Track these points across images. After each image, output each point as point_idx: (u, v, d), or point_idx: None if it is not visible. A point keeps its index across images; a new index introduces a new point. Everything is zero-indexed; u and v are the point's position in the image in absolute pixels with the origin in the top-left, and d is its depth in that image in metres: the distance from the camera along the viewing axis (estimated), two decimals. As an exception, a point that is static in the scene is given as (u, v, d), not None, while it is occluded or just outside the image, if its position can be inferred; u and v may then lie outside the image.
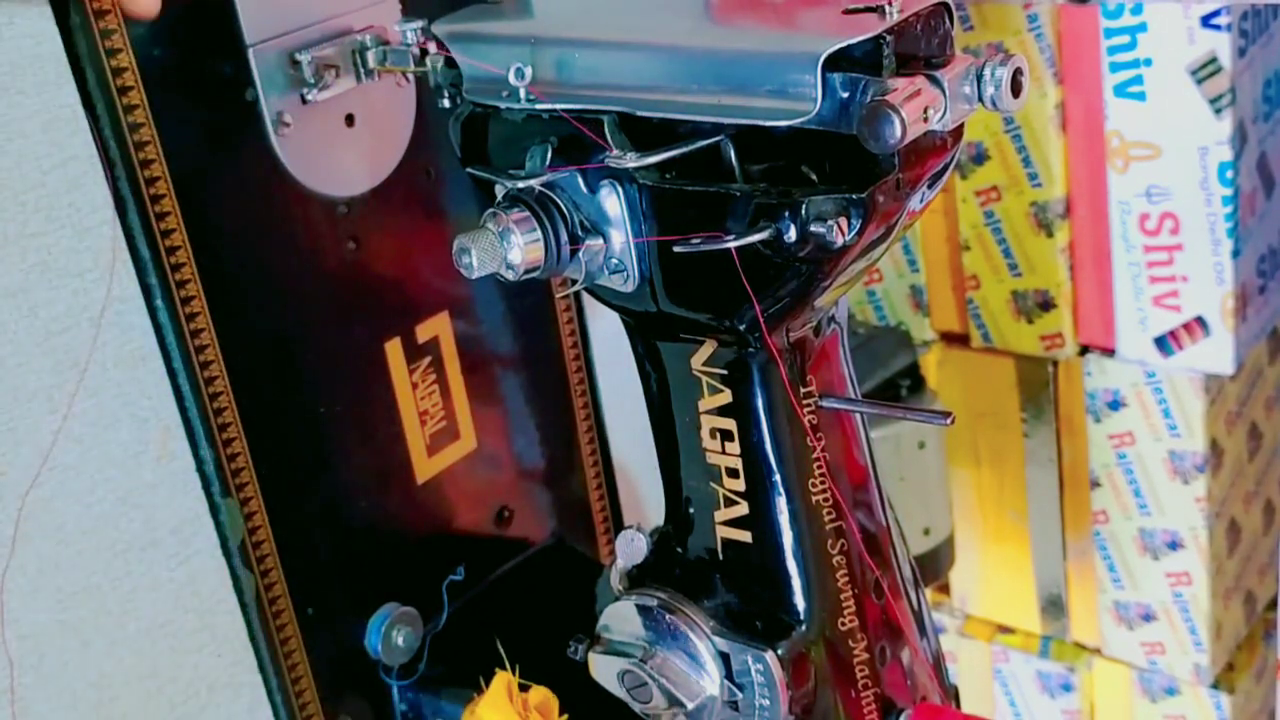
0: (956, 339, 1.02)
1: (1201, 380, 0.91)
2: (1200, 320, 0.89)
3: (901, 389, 0.96)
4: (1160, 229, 0.88)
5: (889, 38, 0.48)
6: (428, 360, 0.74)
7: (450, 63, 0.59)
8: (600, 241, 0.55)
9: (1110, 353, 0.94)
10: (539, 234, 0.54)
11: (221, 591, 0.66)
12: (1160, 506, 0.97)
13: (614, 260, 0.55)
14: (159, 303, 0.60)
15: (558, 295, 0.59)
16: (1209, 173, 0.84)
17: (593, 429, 0.85)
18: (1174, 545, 0.98)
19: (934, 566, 0.98)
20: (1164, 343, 0.91)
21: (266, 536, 0.66)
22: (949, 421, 0.55)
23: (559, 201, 0.54)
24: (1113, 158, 0.87)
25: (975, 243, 0.96)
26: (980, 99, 0.50)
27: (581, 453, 0.85)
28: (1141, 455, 0.96)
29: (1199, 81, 0.82)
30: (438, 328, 0.74)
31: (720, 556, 0.60)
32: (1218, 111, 0.82)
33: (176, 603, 0.64)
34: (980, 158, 0.92)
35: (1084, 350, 0.96)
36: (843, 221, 0.49)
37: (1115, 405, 0.95)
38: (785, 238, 0.49)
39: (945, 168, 0.52)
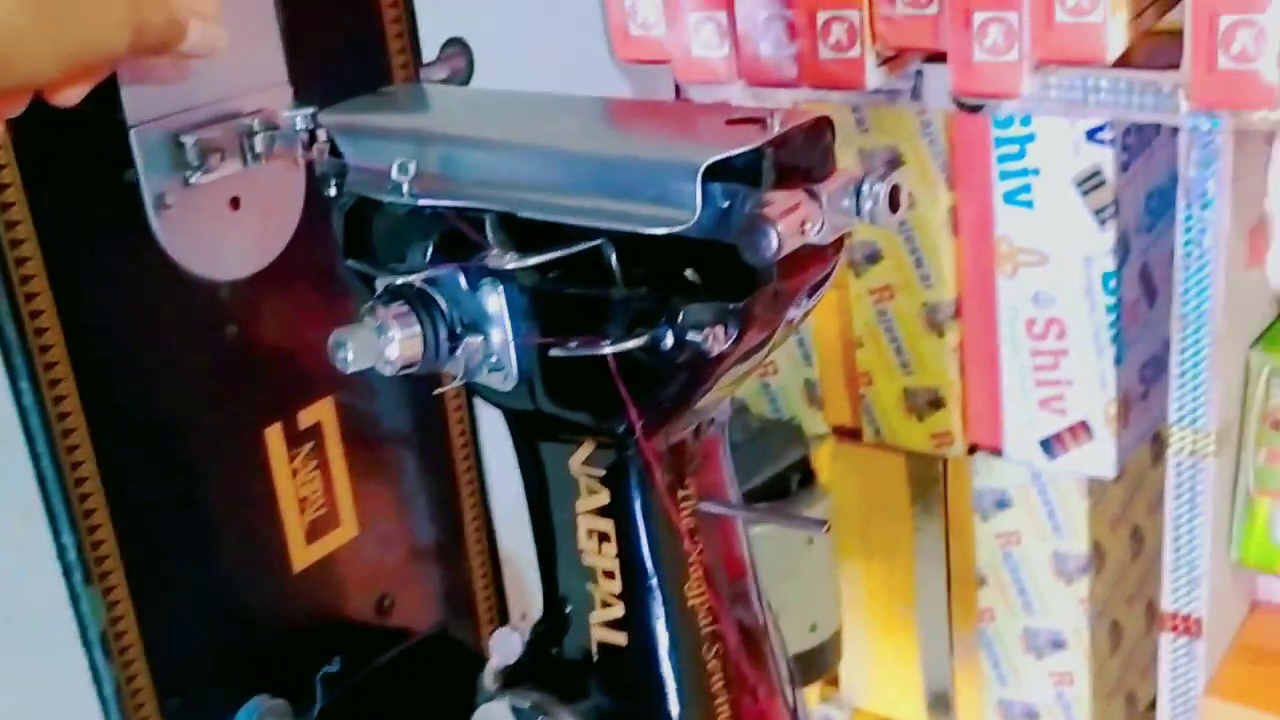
0: (849, 434, 1.02)
1: (1085, 483, 0.93)
2: (1084, 424, 0.90)
3: (792, 483, 0.96)
4: (1047, 334, 0.89)
5: (769, 150, 0.48)
6: (309, 446, 0.72)
7: (336, 152, 0.59)
8: (479, 339, 0.54)
9: (998, 453, 0.95)
10: (418, 330, 0.54)
11: (81, 683, 0.63)
12: (1044, 606, 0.98)
13: (493, 358, 0.55)
14: (24, 385, 0.59)
15: (438, 390, 0.58)
16: (1093, 281, 0.86)
17: (480, 516, 0.84)
18: (1057, 644, 0.99)
19: (820, 662, 0.98)
20: (1049, 445, 0.92)
21: (130, 626, 0.64)
22: (824, 530, 0.54)
23: (439, 298, 0.54)
24: (1002, 263, 0.89)
25: (868, 340, 0.96)
26: (859, 213, 0.50)
27: (468, 541, 0.84)
28: (1027, 555, 0.97)
29: (1084, 193, 0.84)
30: (321, 413, 0.73)
31: (595, 658, 0.59)
32: (1102, 222, 0.84)
33: (33, 694, 0.62)
34: (874, 257, 0.94)
35: (973, 449, 0.97)
36: (720, 330, 0.49)
37: (1002, 504, 0.96)
38: (662, 344, 0.49)
39: (825, 278, 0.53)
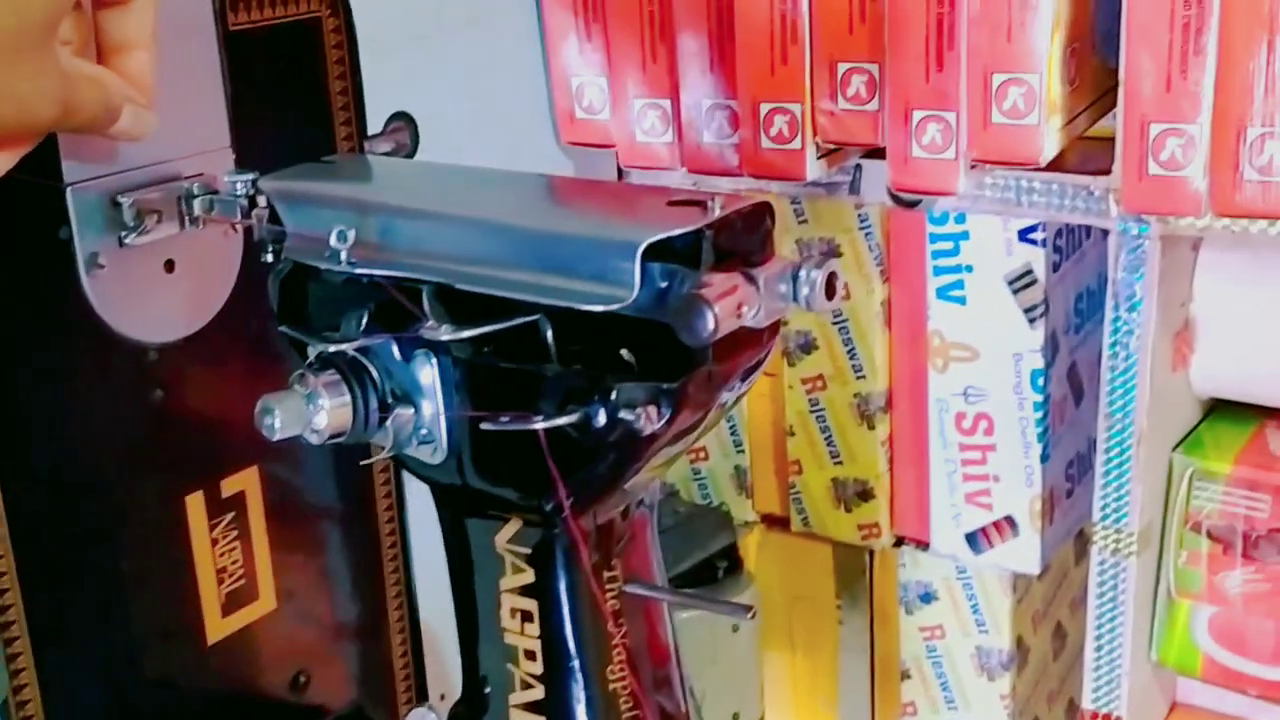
0: (777, 522, 1.02)
1: (1010, 578, 0.93)
2: (1010, 519, 0.91)
3: (719, 569, 0.95)
4: (976, 429, 0.90)
5: (709, 232, 0.49)
6: (231, 515, 0.71)
7: (275, 218, 0.58)
8: (410, 411, 0.54)
9: (924, 546, 0.95)
10: (347, 399, 0.53)
11: (-20, 752, 0.61)
12: (966, 701, 0.98)
13: (423, 430, 0.54)
14: (-61, 441, 0.57)
15: (364, 461, 0.58)
16: (1022, 378, 0.87)
17: (402, 594, 0.83)
18: (979, 742, 0.98)
19: (742, 753, 0.97)
20: (974, 539, 0.93)
21: (34, 696, 0.62)
22: (750, 616, 0.54)
23: (371, 368, 0.54)
24: (933, 356, 0.90)
25: (800, 429, 0.97)
26: (795, 299, 0.51)
27: (389, 617, 0.83)
28: (950, 649, 0.97)
29: (1015, 291, 0.86)
30: (245, 482, 0.72)
31: (514, 741, 0.58)
32: (1031, 321, 0.86)
33: (-73, 763, 0.60)
34: (808, 347, 0.94)
35: (899, 542, 0.97)
36: (652, 410, 0.49)
37: (927, 598, 0.97)
38: (594, 422, 0.49)
39: (759, 363, 0.53)
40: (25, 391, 0.61)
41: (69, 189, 0.61)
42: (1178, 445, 0.83)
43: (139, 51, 0.53)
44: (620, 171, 0.90)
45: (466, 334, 0.51)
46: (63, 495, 0.63)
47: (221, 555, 0.71)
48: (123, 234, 0.63)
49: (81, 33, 0.52)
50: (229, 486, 0.71)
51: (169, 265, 0.65)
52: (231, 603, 0.72)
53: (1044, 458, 0.89)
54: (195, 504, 0.69)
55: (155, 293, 0.65)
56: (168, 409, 0.67)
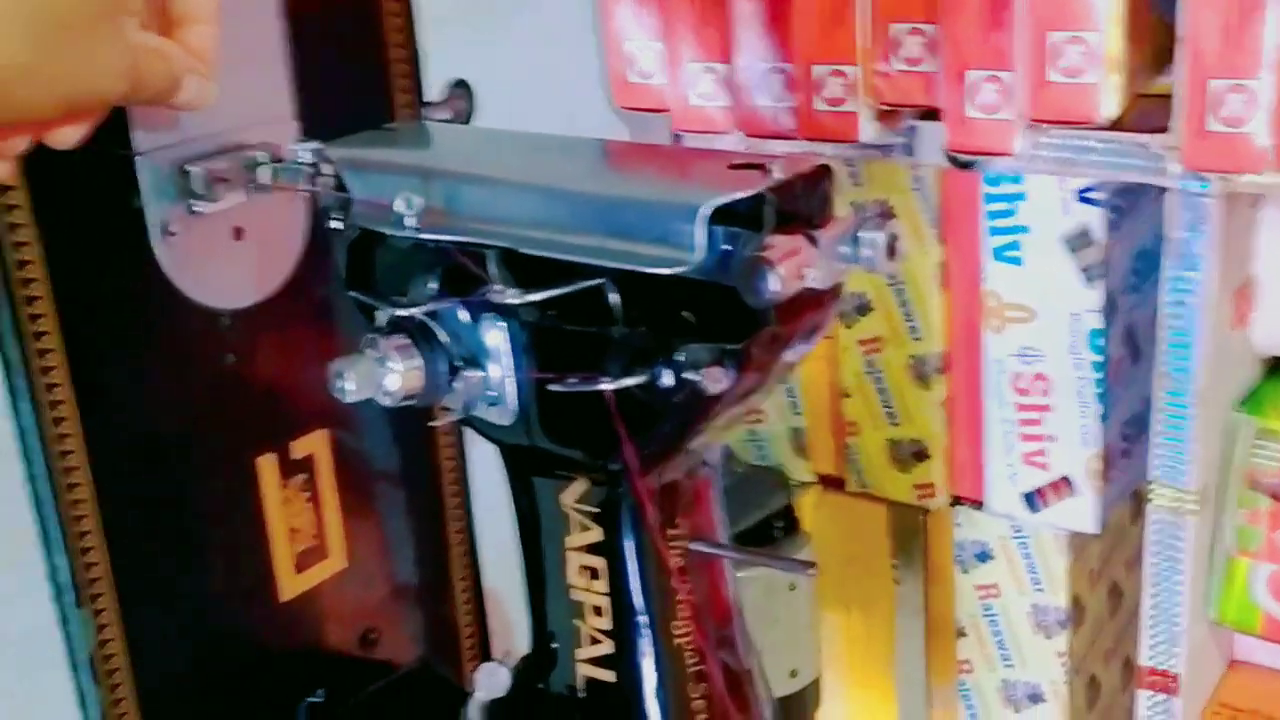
0: (833, 483, 1.03)
1: (1066, 538, 0.93)
2: (1067, 479, 0.91)
3: (776, 530, 0.96)
4: (1032, 389, 0.90)
5: (771, 195, 0.49)
6: (302, 477, 0.73)
7: (341, 186, 0.59)
8: (479, 373, 0.55)
9: (980, 505, 0.96)
10: (418, 362, 0.54)
11: (67, 705, 0.63)
12: (1023, 659, 0.98)
13: (491, 393, 0.55)
14: (23, 404, 0.59)
15: (433, 423, 0.59)
16: (1079, 338, 0.87)
17: (466, 553, 0.84)
18: (1035, 698, 0.99)
19: (800, 709, 0.98)
20: (1031, 499, 0.93)
21: (119, 650, 0.64)
22: (812, 572, 0.55)
23: (439, 331, 0.55)
24: (989, 317, 0.90)
25: (856, 390, 0.97)
26: (857, 260, 0.51)
27: (453, 576, 0.84)
28: (1006, 608, 0.97)
29: (1073, 251, 0.85)
30: (314, 445, 0.73)
31: (581, 694, 0.60)
32: (1089, 280, 0.85)
33: (18, 715, 0.62)
34: (864, 309, 0.95)
35: (955, 501, 0.98)
36: (717, 370, 0.50)
37: (983, 557, 0.97)
38: (660, 383, 0.50)
39: (822, 322, 0.54)
40: (104, 357, 0.62)
41: (139, 158, 0.62)
42: (1238, 404, 0.83)
43: (202, 25, 0.54)
44: (674, 136, 0.91)
45: (532, 298, 0.52)
46: (142, 457, 0.65)
47: (293, 515, 0.72)
48: (192, 202, 0.64)
49: (148, 6, 0.53)
50: (299, 449, 0.72)
51: (238, 232, 0.67)
52: (304, 561, 0.73)
53: (1102, 417, 0.88)
54: (267, 465, 0.71)
55: (225, 259, 0.67)
56: (240, 373, 0.68)
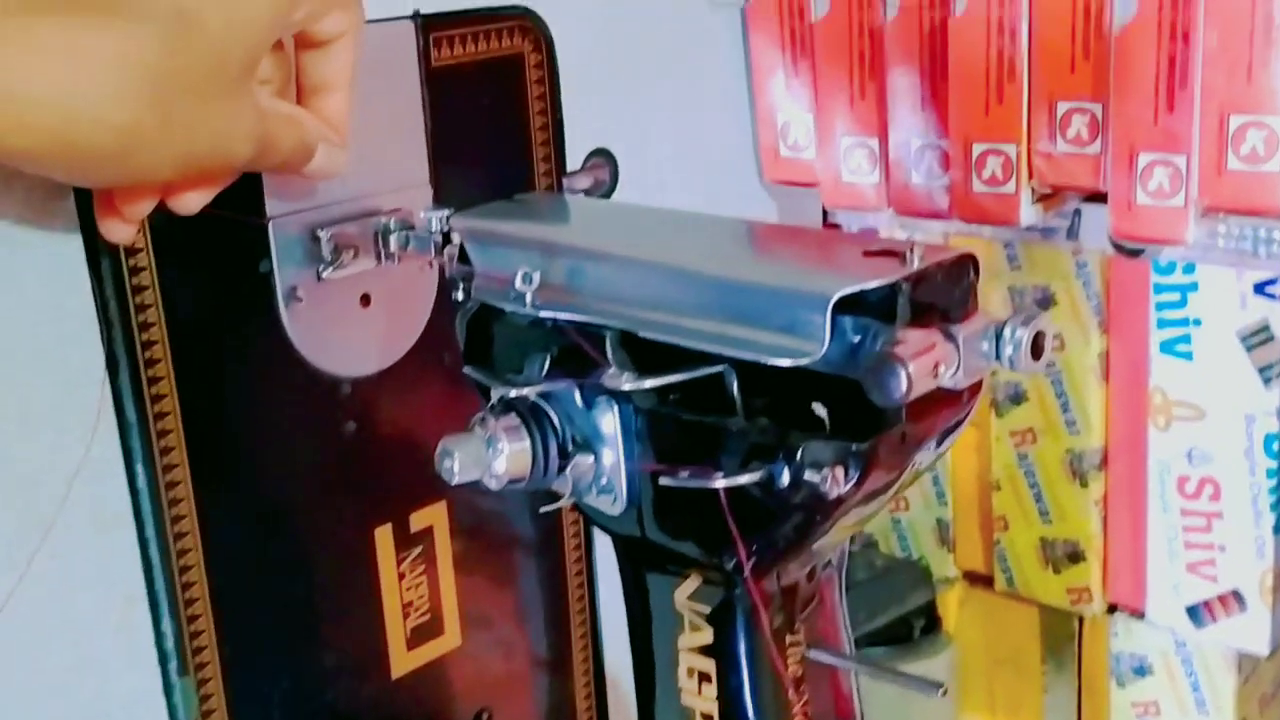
0: (980, 579, 0.98)
1: (1234, 657, 0.87)
2: (1236, 594, 0.85)
3: (916, 627, 0.92)
4: (1200, 493, 0.84)
5: (906, 286, 0.46)
6: (419, 550, 0.71)
7: (465, 257, 0.58)
8: (590, 459, 0.52)
9: (1139, 615, 0.90)
10: (528, 444, 0.52)
11: (167, 774, 0.62)
12: (1182, 784, 0.91)
13: (603, 480, 0.53)
14: (139, 467, 0.59)
15: (544, 509, 0.57)
16: (1254, 442, 0.81)
17: (586, 635, 0.82)
18: (1195, 828, 0.92)
19: (935, 821, 0.92)
20: (1196, 613, 0.86)
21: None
22: (940, 694, 0.51)
23: (552, 413, 0.52)
24: (1155, 414, 0.84)
25: (1006, 483, 0.92)
26: (998, 358, 0.47)
27: (573, 658, 0.82)
28: (1166, 727, 0.91)
29: (1249, 348, 0.80)
30: (433, 517, 0.71)
31: (689, 803, 0.56)
32: (1267, 380, 0.79)
33: (116, 782, 0.61)
34: (1018, 398, 0.90)
35: (1112, 609, 0.91)
36: (839, 471, 0.46)
37: (1141, 671, 0.90)
38: (777, 482, 0.47)
39: (958, 424, 0.50)
40: (226, 420, 0.62)
41: (271, 223, 0.61)
42: None
43: (336, 93, 0.53)
44: (825, 211, 0.88)
45: (649, 383, 0.50)
46: (258, 523, 0.64)
47: (408, 589, 0.71)
48: (321, 267, 0.63)
49: (283, 72, 0.52)
50: (417, 521, 0.71)
51: (365, 299, 0.66)
52: (417, 637, 0.72)
53: (1277, 529, 0.82)
54: (384, 536, 0.69)
55: (350, 326, 0.66)
56: (359, 441, 0.67)
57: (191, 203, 0.51)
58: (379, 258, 0.65)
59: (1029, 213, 0.75)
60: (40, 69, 0.40)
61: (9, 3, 0.40)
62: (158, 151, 0.44)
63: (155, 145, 0.44)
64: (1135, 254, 0.81)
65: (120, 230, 0.51)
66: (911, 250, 0.47)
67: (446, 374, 0.70)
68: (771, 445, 0.47)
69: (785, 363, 0.46)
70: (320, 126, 0.53)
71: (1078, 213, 0.80)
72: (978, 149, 0.75)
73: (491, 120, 0.71)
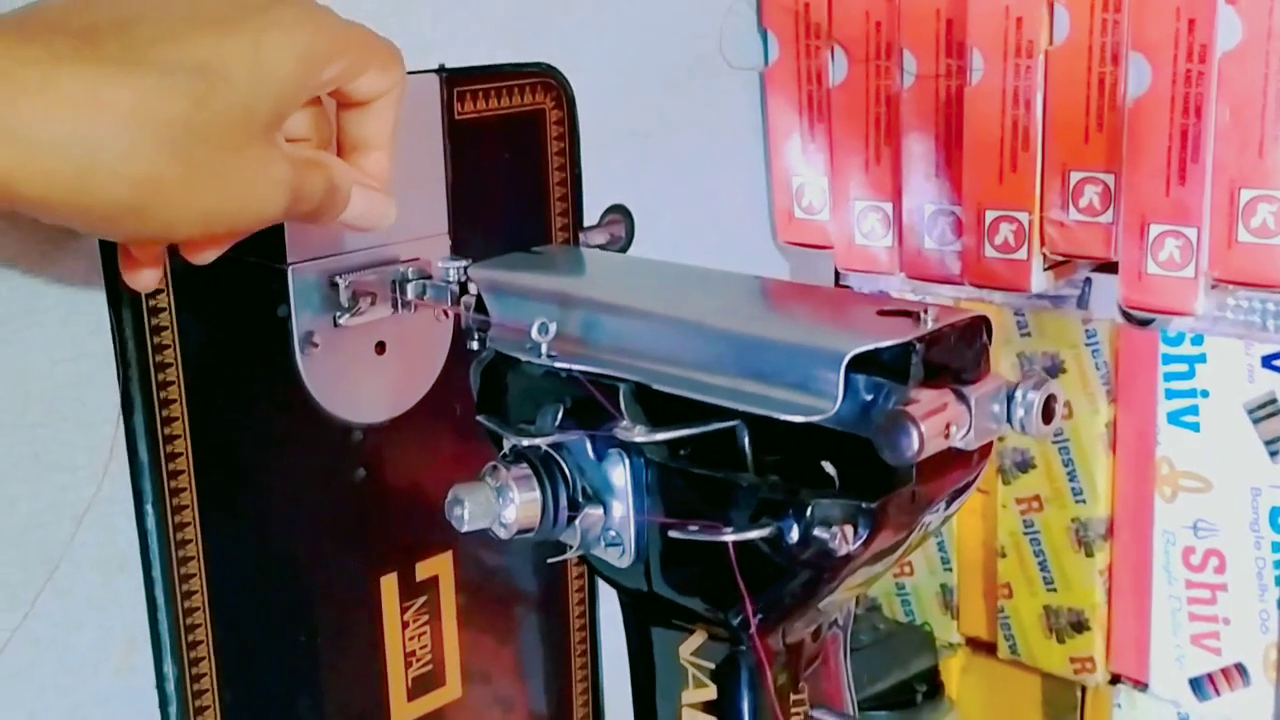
0: (983, 646, 0.97)
1: (1238, 731, 0.86)
2: (1240, 667, 0.84)
3: (918, 694, 0.91)
4: (1205, 565, 0.84)
5: (920, 346, 0.46)
6: (423, 600, 0.71)
7: (482, 307, 0.58)
8: (600, 511, 0.52)
9: (1143, 686, 0.89)
10: (538, 495, 0.52)
11: (163, 818, 0.62)
12: None
13: (611, 532, 0.53)
14: (149, 508, 0.59)
15: (552, 559, 0.57)
16: (1260, 515, 0.81)
17: (588, 690, 0.81)
18: None
19: None
20: (1200, 685, 0.86)
21: (219, 766, 0.63)
22: (944, 757, 0.51)
23: (564, 464, 0.53)
24: (1161, 485, 0.84)
25: (1012, 550, 0.92)
26: (1009, 421, 0.48)
27: (574, 714, 0.81)
28: (1168, 802, 0.90)
29: (1256, 421, 0.80)
30: (439, 567, 0.71)
31: None
32: (1273, 453, 0.79)
33: (113, 824, 0.60)
34: (1025, 465, 0.90)
35: (1115, 679, 0.91)
36: (848, 529, 0.46)
37: (1144, 743, 0.90)
38: (786, 538, 0.47)
39: (968, 485, 0.50)
40: (237, 463, 0.62)
41: (290, 269, 0.62)
42: None
43: (377, 152, 0.52)
44: (837, 274, 0.88)
45: (661, 436, 0.50)
46: (264, 567, 0.64)
47: (411, 638, 0.71)
48: (337, 314, 0.64)
49: (322, 131, 0.52)
50: (423, 570, 0.71)
51: (380, 347, 0.66)
52: (418, 687, 0.71)
53: (1282, 602, 0.82)
54: (389, 585, 0.69)
55: (365, 373, 0.66)
56: (369, 489, 0.67)
57: (207, 255, 0.51)
58: (395, 306, 0.65)
59: (1040, 280, 0.76)
60: (59, 119, 0.40)
61: (30, 52, 0.41)
62: (179, 206, 0.44)
63: (176, 199, 0.44)
64: (1144, 324, 0.81)
65: (144, 278, 0.51)
66: (925, 311, 0.47)
67: (457, 424, 0.70)
68: (781, 502, 0.47)
69: (798, 419, 0.47)
70: (352, 171, 0.52)
71: (1088, 281, 0.80)
72: (990, 215, 0.76)
73: (511, 173, 0.72)
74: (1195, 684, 0.86)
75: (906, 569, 0.99)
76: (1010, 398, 0.47)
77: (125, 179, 0.42)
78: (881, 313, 0.49)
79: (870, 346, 0.46)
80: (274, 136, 0.46)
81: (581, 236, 0.76)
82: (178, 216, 0.44)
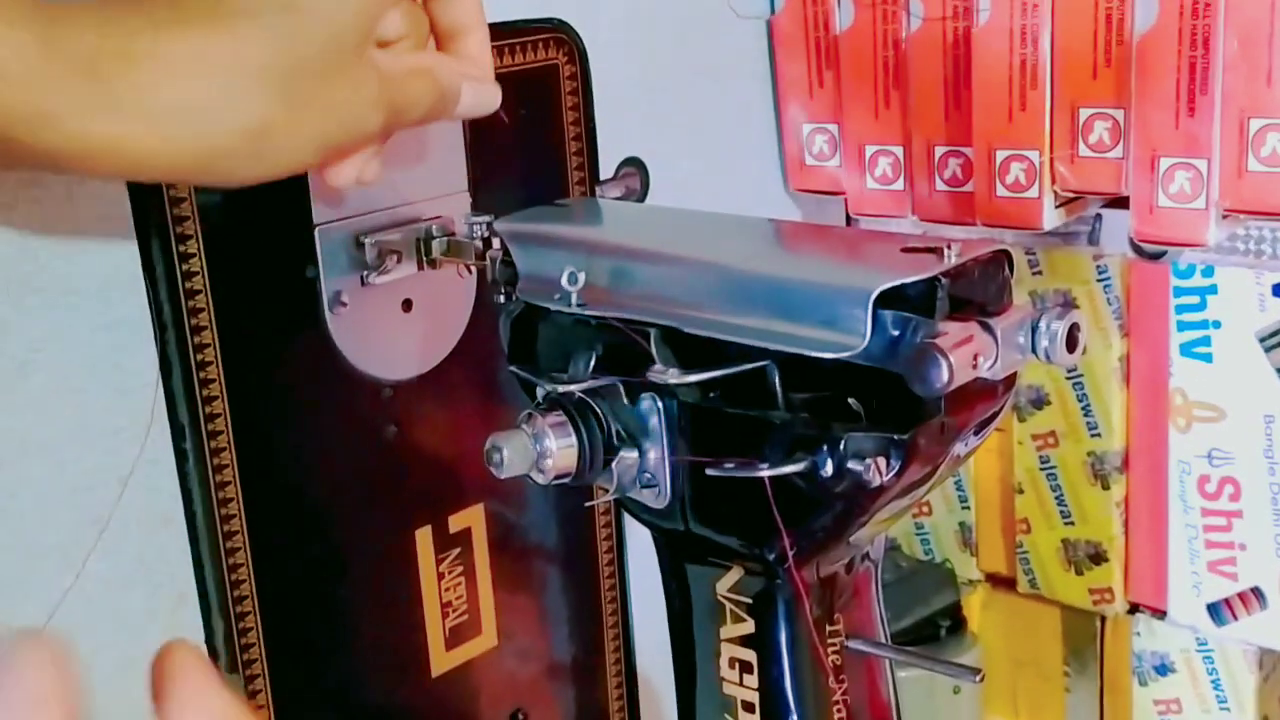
0: (1003, 582, 0.99)
1: (1256, 654, 0.88)
2: (1257, 591, 0.86)
3: (941, 629, 0.93)
4: (1220, 493, 0.85)
5: (944, 280, 0.47)
6: (457, 551, 0.72)
7: (508, 260, 0.59)
8: (635, 454, 0.54)
9: (1161, 614, 0.91)
10: (574, 440, 0.53)
11: (215, 769, 0.63)
12: (1206, 783, 0.92)
13: (647, 474, 0.54)
14: (190, 468, 0.60)
15: (589, 503, 0.58)
16: (1274, 441, 0.82)
17: (619, 636, 0.83)
18: (1218, 826, 0.93)
19: (961, 820, 0.93)
20: (1217, 611, 0.87)
21: (268, 717, 0.64)
22: (978, 679, 0.52)
23: (598, 409, 0.54)
24: (1175, 416, 0.86)
25: (1029, 486, 0.93)
26: (1034, 350, 0.49)
27: (605, 659, 0.83)
28: (1189, 726, 0.92)
29: (1268, 349, 0.81)
30: (471, 519, 0.73)
31: (730, 792, 0.57)
32: (1285, 380, 0.81)
33: (166, 777, 0.62)
34: (1040, 402, 0.91)
35: (1134, 609, 0.93)
36: (881, 461, 0.48)
37: (1163, 670, 0.92)
38: (821, 472, 0.48)
39: (994, 415, 0.51)
40: (273, 422, 0.63)
41: (317, 229, 0.63)
42: None
43: (473, 33, 0.53)
44: (849, 219, 0.89)
45: (693, 378, 0.51)
46: (301, 525, 0.65)
47: (447, 590, 0.72)
48: (365, 273, 0.65)
49: (416, 27, 0.52)
50: (456, 523, 0.72)
51: (406, 305, 0.67)
52: (455, 637, 0.73)
53: (1296, 526, 0.83)
54: (424, 538, 0.70)
55: (393, 331, 0.67)
56: (400, 445, 0.68)
57: (345, 174, 0.52)
58: (420, 264, 0.66)
59: (1051, 217, 0.77)
60: (171, 85, 0.42)
61: (134, 22, 0.42)
62: (292, 142, 0.46)
63: (286, 139, 0.45)
64: (1155, 258, 0.83)
65: (343, 174, 0.52)
66: (949, 247, 0.48)
67: (484, 378, 0.71)
68: (814, 437, 0.49)
69: (828, 356, 0.48)
70: (457, 67, 0.52)
71: (1098, 217, 0.81)
72: (1001, 155, 0.76)
73: (527, 129, 0.73)
74: (1213, 609, 0.88)
75: (925, 508, 1.00)
76: (1035, 328, 0.48)
77: (238, 131, 0.44)
78: (905, 250, 0.50)
79: (897, 282, 0.47)
80: (365, 54, 0.47)
81: (598, 190, 0.77)
82: (290, 154, 0.46)
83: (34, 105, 0.41)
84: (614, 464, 0.54)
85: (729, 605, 0.55)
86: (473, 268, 0.68)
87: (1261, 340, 0.81)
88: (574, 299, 0.54)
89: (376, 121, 0.48)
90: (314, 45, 0.45)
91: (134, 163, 0.43)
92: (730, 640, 0.55)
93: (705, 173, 0.84)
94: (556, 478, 0.53)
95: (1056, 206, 0.77)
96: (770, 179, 0.89)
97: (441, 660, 0.72)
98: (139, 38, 0.42)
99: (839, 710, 0.55)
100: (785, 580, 0.53)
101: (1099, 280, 0.86)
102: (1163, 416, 0.86)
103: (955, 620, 0.93)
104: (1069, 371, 0.89)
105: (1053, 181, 0.76)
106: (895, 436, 0.47)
